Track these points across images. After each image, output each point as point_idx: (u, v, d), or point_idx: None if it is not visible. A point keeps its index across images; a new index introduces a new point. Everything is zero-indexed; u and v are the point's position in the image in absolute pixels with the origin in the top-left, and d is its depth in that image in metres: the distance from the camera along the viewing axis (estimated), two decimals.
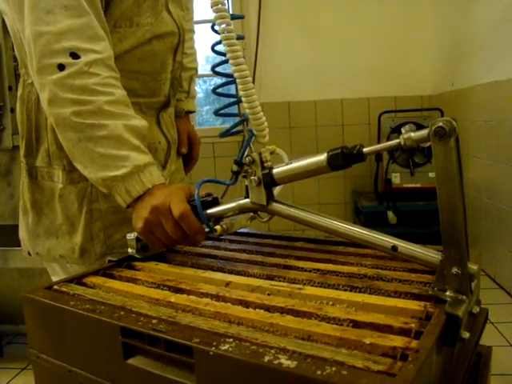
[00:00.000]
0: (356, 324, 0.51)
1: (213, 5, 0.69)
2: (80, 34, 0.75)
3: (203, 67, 3.41)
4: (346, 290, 0.62)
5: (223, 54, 0.71)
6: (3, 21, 1.02)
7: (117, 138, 0.76)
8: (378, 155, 2.88)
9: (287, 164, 0.69)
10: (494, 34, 2.47)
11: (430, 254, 0.61)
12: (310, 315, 0.54)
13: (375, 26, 3.36)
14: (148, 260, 0.78)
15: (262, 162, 0.71)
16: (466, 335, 0.52)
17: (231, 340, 0.48)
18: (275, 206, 0.72)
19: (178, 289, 0.65)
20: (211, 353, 0.46)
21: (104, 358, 0.57)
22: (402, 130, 2.82)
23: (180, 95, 1.13)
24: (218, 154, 3.48)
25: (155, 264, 0.76)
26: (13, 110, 1.94)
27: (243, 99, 0.71)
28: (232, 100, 0.74)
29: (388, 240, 0.63)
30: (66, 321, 0.60)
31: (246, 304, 0.59)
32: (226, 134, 0.76)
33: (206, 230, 0.75)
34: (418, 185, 2.77)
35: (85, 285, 0.69)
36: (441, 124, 0.53)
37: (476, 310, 0.57)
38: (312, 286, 0.64)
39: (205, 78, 3.93)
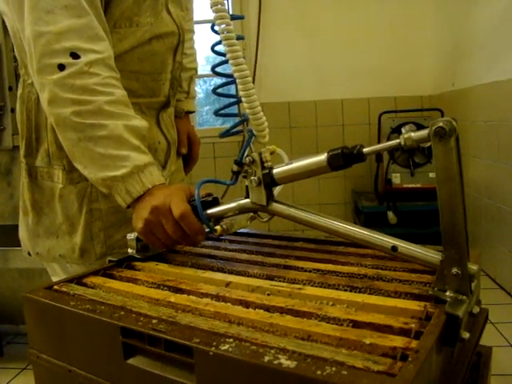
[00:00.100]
0: (356, 324, 0.51)
1: (212, 5, 0.69)
2: (80, 34, 0.75)
3: (203, 67, 3.41)
4: (346, 290, 0.62)
5: (223, 55, 0.71)
6: (3, 21, 1.02)
7: (117, 138, 0.76)
8: (378, 155, 2.88)
9: (287, 164, 0.69)
10: (493, 34, 2.47)
11: (430, 254, 0.61)
12: (310, 315, 0.54)
13: (375, 26, 3.36)
14: (148, 260, 0.78)
15: (262, 162, 0.70)
16: (466, 335, 0.52)
17: (231, 340, 0.48)
18: (275, 206, 0.72)
19: (178, 289, 0.65)
20: (211, 353, 0.46)
21: (104, 358, 0.57)
22: (403, 130, 2.82)
23: (180, 95, 1.13)
24: (218, 154, 3.48)
25: (155, 264, 0.76)
26: (13, 110, 1.94)
27: (243, 99, 0.71)
28: (232, 100, 0.74)
29: (388, 240, 0.63)
30: (66, 321, 0.60)
31: (246, 304, 0.59)
32: (226, 134, 0.76)
33: (206, 230, 0.75)
34: (418, 185, 2.77)
35: (85, 285, 0.69)
36: (441, 124, 0.53)
37: (476, 310, 0.57)
38: (312, 286, 0.64)
39: (205, 78, 3.93)
